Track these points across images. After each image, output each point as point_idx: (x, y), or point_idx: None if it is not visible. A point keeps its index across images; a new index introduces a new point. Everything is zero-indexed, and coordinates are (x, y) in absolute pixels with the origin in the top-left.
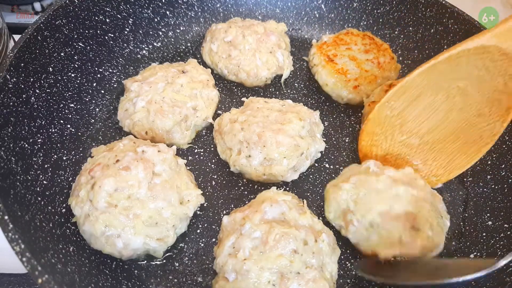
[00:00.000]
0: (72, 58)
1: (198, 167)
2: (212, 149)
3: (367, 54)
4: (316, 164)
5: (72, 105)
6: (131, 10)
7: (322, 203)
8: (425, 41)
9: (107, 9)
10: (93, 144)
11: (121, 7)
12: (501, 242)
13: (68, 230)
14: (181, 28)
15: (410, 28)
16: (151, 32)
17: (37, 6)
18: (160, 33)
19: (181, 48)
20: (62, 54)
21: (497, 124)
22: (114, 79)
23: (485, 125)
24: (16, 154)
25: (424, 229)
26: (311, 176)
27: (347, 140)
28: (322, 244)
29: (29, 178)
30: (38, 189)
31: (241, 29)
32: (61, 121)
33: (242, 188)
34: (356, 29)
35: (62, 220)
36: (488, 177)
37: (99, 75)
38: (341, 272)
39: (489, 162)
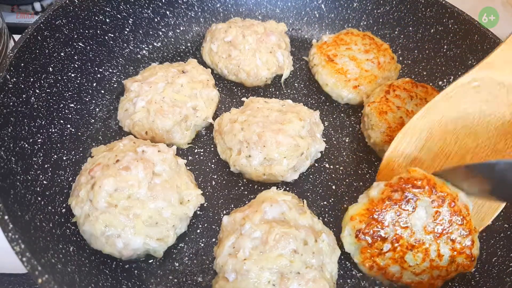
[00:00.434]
0: (72, 58)
1: (198, 167)
2: (212, 149)
3: (367, 54)
4: (316, 164)
5: (72, 105)
6: (131, 10)
7: (322, 203)
8: (425, 41)
9: (107, 9)
10: (93, 144)
11: (121, 7)
12: (501, 242)
13: (68, 230)
14: (181, 28)
15: (410, 28)
16: (151, 32)
17: (37, 6)
18: (160, 33)
19: (181, 48)
20: (62, 54)
21: None
22: (114, 79)
23: None
24: (16, 154)
25: None
26: (311, 176)
27: (347, 140)
28: (322, 244)
29: (29, 178)
30: (38, 189)
31: (241, 29)
32: (61, 121)
33: (242, 188)
34: (356, 29)
35: (62, 220)
36: None
37: (99, 75)
38: (341, 272)
39: None
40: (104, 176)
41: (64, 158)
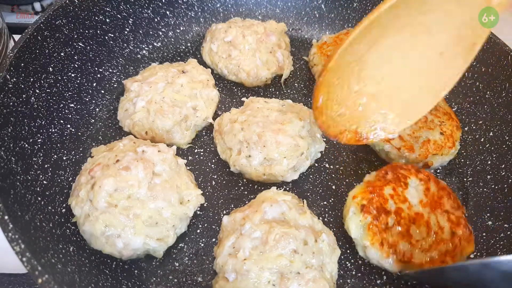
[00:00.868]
0: (72, 58)
1: (198, 167)
2: (212, 149)
3: None
4: (316, 164)
5: (72, 105)
6: (131, 10)
7: (322, 203)
8: None
9: (107, 9)
10: (93, 144)
11: (121, 7)
12: (501, 242)
13: (68, 230)
14: (181, 28)
15: None
16: (151, 32)
17: (37, 6)
18: (160, 33)
19: (181, 48)
20: (62, 54)
21: (459, 63)
22: (114, 79)
23: (446, 65)
24: (16, 154)
25: None
26: (311, 176)
27: None
28: (322, 244)
29: (29, 178)
30: (38, 189)
31: (241, 29)
32: (61, 121)
33: (242, 188)
34: None
35: (62, 220)
36: (488, 177)
37: (99, 75)
38: (341, 272)
39: (489, 162)
40: (104, 176)
41: (64, 158)
